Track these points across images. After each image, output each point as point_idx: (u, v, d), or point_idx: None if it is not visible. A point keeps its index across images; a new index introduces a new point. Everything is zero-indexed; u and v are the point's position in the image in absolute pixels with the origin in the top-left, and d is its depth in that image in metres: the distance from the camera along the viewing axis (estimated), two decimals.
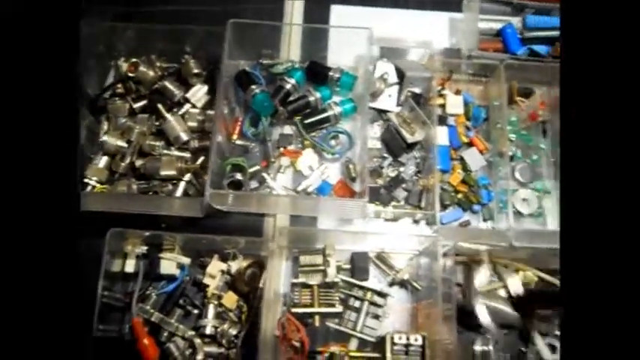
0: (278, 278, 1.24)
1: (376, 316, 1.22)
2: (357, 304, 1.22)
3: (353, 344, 1.19)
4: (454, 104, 1.41)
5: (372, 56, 1.39)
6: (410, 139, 1.33)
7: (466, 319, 1.21)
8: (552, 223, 1.35)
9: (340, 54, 1.45)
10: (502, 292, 1.25)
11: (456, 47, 1.46)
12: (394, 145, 1.36)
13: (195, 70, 1.40)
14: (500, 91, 1.40)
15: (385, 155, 1.37)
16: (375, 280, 1.28)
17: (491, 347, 1.16)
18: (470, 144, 1.39)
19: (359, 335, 1.19)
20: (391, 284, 1.28)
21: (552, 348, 1.19)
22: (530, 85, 1.46)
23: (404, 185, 1.34)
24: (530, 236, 1.30)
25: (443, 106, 1.41)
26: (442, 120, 1.39)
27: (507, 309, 1.20)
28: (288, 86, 1.38)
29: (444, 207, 1.34)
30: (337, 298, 1.21)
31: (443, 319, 1.16)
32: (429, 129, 1.32)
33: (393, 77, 1.39)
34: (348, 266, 1.26)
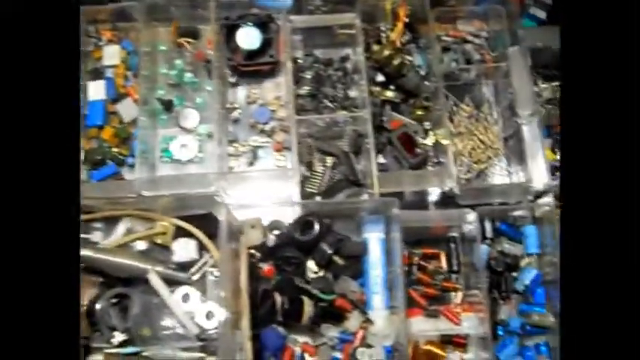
0: None
1: None
2: None
3: None
4: (111, 55, 1.33)
5: None
6: None
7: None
8: (209, 167, 1.28)
9: None
10: (141, 245, 1.21)
11: None
12: None
13: None
14: (157, 34, 1.34)
15: None
16: None
17: (102, 304, 1.11)
18: (127, 95, 1.32)
19: None
20: None
21: (186, 297, 1.15)
22: (198, 24, 1.37)
23: None
24: (166, 183, 1.24)
25: (100, 58, 1.34)
26: (98, 73, 1.32)
27: (134, 263, 1.15)
28: None
29: (97, 163, 1.27)
30: None
31: None
32: None
33: None
34: None
